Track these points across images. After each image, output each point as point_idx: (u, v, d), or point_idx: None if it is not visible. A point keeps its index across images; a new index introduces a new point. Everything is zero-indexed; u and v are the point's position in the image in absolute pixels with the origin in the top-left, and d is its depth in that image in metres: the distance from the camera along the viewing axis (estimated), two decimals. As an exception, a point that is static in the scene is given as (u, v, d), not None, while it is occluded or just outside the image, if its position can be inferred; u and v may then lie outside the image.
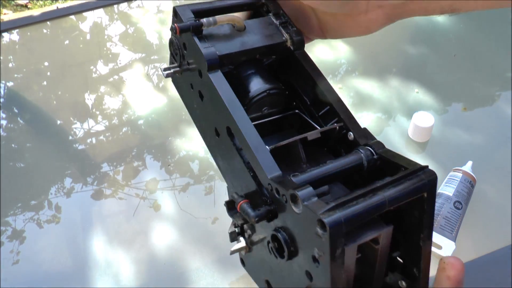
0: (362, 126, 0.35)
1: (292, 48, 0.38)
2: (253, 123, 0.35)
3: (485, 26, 1.16)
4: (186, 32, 0.36)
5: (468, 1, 0.33)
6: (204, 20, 0.36)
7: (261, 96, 0.37)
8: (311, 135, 0.35)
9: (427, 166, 0.29)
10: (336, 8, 0.36)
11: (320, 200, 0.28)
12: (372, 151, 0.33)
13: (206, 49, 0.35)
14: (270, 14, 0.40)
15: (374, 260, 0.31)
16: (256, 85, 0.37)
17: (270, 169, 0.32)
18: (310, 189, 0.28)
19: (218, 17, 0.36)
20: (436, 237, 0.70)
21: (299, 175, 0.31)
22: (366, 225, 0.29)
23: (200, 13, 0.38)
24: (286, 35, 0.38)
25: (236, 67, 0.38)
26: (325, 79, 0.36)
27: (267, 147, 0.34)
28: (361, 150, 0.33)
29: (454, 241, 0.70)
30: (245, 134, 0.33)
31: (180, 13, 0.38)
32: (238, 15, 0.40)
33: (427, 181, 0.29)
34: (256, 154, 0.33)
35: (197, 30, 0.36)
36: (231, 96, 0.35)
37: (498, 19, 1.17)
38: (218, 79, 0.35)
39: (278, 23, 0.39)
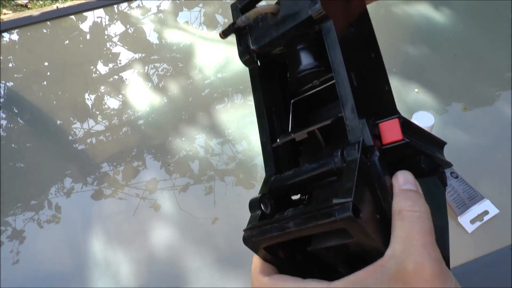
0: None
1: (316, 23, 0.36)
2: (304, 95, 0.39)
3: (485, 26, 1.16)
4: (229, 35, 0.40)
5: None
6: (238, 20, 0.38)
7: (303, 74, 0.37)
8: (323, 123, 0.35)
9: (349, 201, 0.28)
10: None
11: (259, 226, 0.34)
12: (340, 159, 0.32)
13: (240, 48, 0.39)
14: None
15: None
16: (300, 63, 0.38)
17: (267, 169, 0.38)
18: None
19: (247, 14, 0.37)
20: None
21: (276, 179, 0.37)
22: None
23: (243, 10, 0.40)
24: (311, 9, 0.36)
25: (285, 46, 0.39)
26: (341, 66, 0.34)
27: (277, 144, 0.38)
28: (335, 155, 0.33)
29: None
30: (259, 128, 0.39)
31: (232, 13, 0.40)
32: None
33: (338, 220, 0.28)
34: (262, 152, 0.38)
35: (237, 31, 0.39)
36: (258, 94, 0.39)
37: (498, 19, 1.16)
38: (252, 73, 0.40)
39: None
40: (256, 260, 0.35)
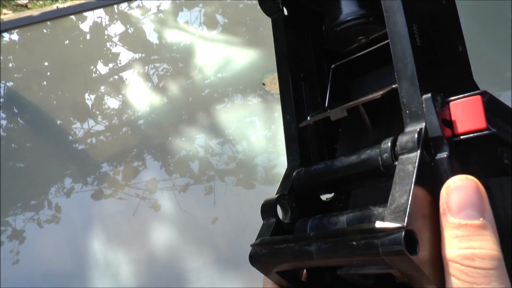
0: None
1: None
2: (345, 59, 0.28)
3: (485, 26, 1.16)
4: None
5: None
6: None
7: (343, 27, 0.26)
8: (370, 97, 0.25)
9: (401, 228, 0.18)
10: None
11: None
12: (390, 154, 0.22)
13: None
14: None
15: None
16: (340, 11, 0.27)
17: (290, 159, 0.27)
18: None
19: None
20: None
21: (300, 174, 0.26)
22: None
23: None
24: None
25: None
26: (398, 13, 0.22)
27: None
28: (382, 147, 0.22)
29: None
30: (282, 102, 0.28)
31: None
32: None
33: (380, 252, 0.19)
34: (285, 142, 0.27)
35: None
36: (283, 54, 0.28)
37: (498, 19, 1.16)
38: (276, 25, 0.28)
39: None
40: (267, 285, 0.25)
